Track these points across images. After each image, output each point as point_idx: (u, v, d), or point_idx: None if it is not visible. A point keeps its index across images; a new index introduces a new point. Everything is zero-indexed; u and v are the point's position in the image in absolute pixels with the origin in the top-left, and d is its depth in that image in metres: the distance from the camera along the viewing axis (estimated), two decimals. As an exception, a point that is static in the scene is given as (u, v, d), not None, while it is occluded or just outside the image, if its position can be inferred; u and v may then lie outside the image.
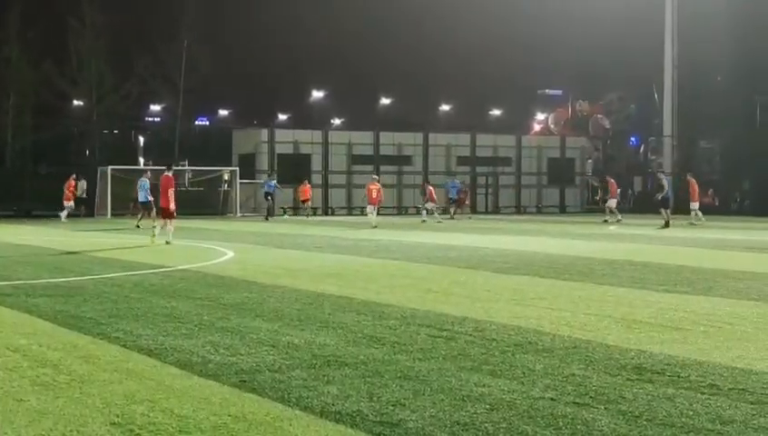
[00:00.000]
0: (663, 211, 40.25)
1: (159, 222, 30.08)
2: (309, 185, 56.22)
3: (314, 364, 9.35)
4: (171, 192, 29.07)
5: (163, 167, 31.48)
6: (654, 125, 76.54)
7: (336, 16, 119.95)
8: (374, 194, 42.80)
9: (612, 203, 47.74)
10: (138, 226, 39.19)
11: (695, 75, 66.51)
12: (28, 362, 9.49)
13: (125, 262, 21.34)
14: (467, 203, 58.93)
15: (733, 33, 62.45)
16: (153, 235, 28.90)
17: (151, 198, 38.66)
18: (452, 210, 54.27)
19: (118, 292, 15.43)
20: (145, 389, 8.28)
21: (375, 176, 46.60)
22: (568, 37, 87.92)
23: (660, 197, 40.89)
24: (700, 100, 66.17)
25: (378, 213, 44.06)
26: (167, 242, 27.74)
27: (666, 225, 38.85)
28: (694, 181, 44.70)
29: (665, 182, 41.68)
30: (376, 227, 39.87)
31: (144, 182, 40.96)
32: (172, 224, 29.16)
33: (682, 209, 46.87)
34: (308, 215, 54.99)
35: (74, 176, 50.43)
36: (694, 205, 43.94)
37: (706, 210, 56.96)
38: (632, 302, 14.23)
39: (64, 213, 47.46)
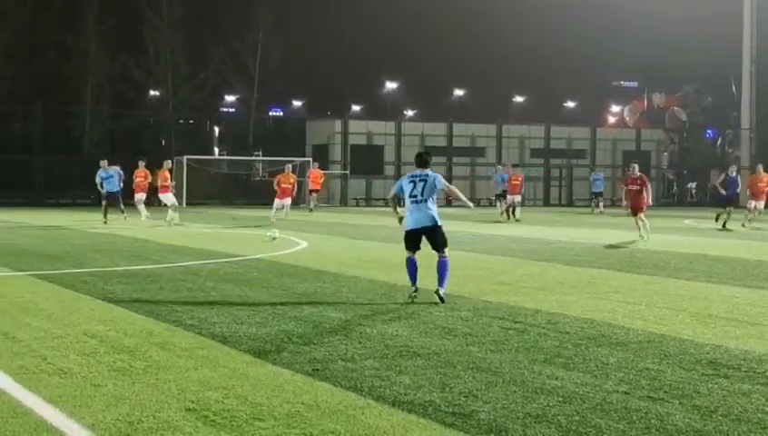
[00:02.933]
0: (730, 208, 34.14)
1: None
2: (320, 171, 50.58)
3: (386, 354, 9.38)
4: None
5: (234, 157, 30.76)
6: (731, 118, 75.50)
7: (410, 9, 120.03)
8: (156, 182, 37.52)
9: (760, 204, 35.23)
10: (106, 222, 34.67)
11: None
12: (105, 348, 9.65)
13: (200, 251, 21.56)
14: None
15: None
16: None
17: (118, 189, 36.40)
18: (594, 203, 52.11)
19: (193, 279, 15.61)
20: (219, 376, 8.39)
21: (168, 162, 38.67)
22: (644, 29, 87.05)
23: (727, 193, 34.40)
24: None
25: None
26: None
27: (724, 226, 33.27)
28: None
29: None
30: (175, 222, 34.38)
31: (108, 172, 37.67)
32: None
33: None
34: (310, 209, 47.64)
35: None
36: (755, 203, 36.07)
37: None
38: (707, 296, 14.07)
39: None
